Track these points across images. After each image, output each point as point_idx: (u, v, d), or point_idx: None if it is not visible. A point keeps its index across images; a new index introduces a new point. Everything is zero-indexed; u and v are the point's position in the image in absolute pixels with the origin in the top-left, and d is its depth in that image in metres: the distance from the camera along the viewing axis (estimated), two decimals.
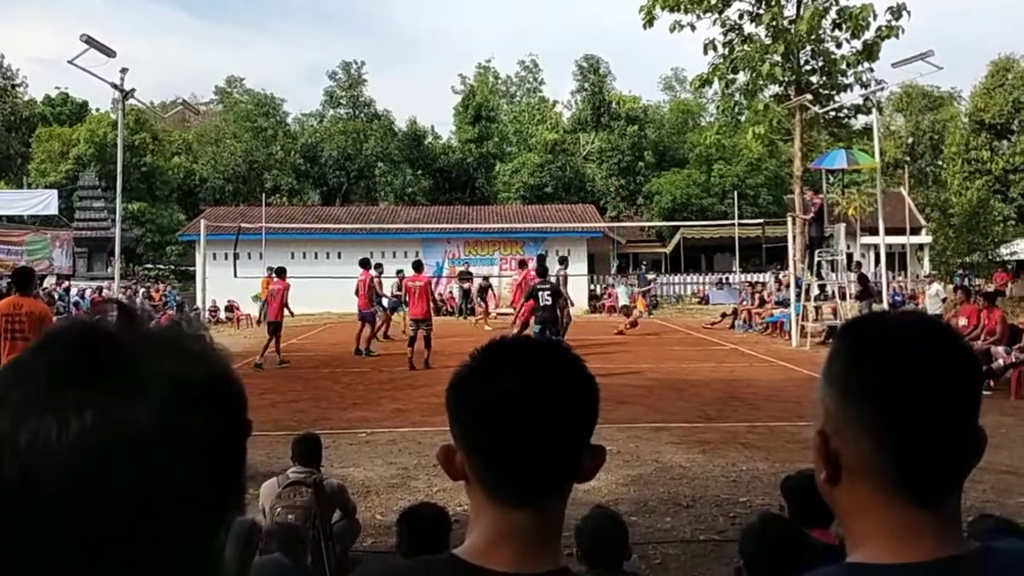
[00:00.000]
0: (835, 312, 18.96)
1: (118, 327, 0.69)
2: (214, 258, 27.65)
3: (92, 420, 0.62)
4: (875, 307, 18.53)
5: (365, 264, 17.66)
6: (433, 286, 16.40)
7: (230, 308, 29.53)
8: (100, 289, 27.58)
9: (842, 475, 1.02)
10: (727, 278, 36.80)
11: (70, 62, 15.74)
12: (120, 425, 0.63)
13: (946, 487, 1.00)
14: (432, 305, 15.60)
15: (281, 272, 16.46)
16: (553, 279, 18.69)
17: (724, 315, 25.35)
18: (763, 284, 28.30)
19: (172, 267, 43.24)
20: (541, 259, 15.08)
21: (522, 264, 18.93)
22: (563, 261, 20.40)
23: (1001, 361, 11.86)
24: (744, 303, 25.38)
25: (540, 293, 14.09)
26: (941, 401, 0.98)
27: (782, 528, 2.93)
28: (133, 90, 17.79)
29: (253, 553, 0.83)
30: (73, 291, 27.49)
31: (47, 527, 0.61)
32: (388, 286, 20.44)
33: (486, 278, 28.90)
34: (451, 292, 32.31)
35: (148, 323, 0.71)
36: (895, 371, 0.99)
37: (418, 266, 16.22)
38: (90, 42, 15.52)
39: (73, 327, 0.69)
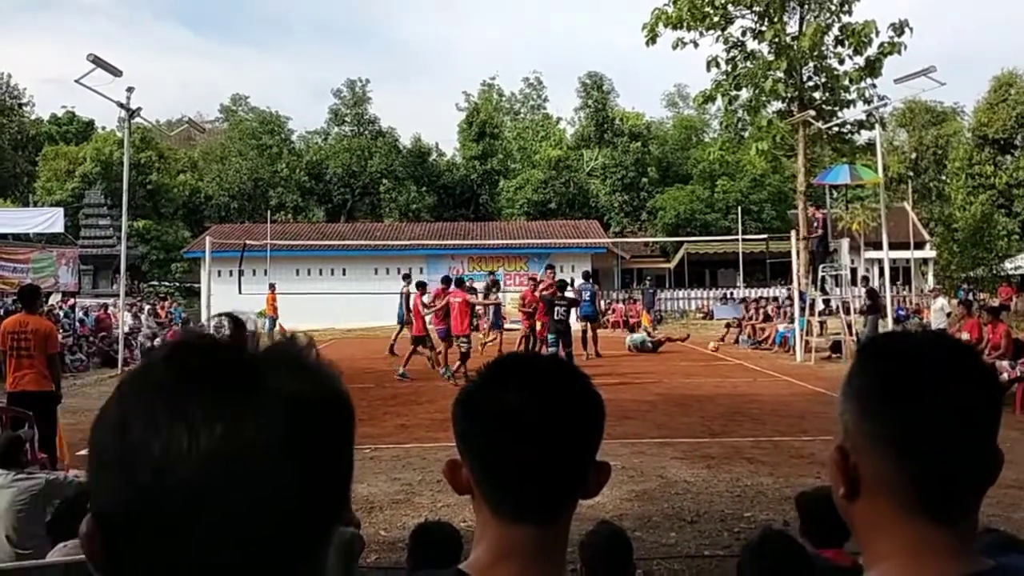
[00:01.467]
0: (850, 327, 18.81)
1: (238, 341, 0.71)
2: (219, 275, 27.70)
3: (221, 433, 0.65)
4: (880, 322, 18.51)
5: (449, 281, 16.70)
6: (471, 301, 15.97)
7: None
8: (105, 306, 27.59)
9: (860, 491, 1.03)
10: (731, 293, 36.79)
11: (77, 81, 15.86)
12: (246, 439, 0.65)
13: (964, 504, 1.00)
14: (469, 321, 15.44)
15: (420, 285, 16.27)
16: (588, 294, 18.92)
17: (728, 326, 25.23)
18: (765, 300, 28.19)
19: (177, 284, 43.27)
20: (562, 284, 15.30)
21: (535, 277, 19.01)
22: (587, 276, 20.53)
23: (1006, 375, 11.84)
24: (750, 319, 25.22)
25: (557, 308, 14.35)
26: (960, 418, 0.99)
27: (782, 545, 2.91)
28: (139, 109, 17.90)
29: (356, 562, 0.86)
30: (78, 309, 27.50)
31: (173, 533, 0.64)
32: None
33: (492, 273, 27.73)
34: None
35: (268, 345, 0.72)
36: (914, 388, 1.00)
37: (459, 283, 16.13)
38: (97, 62, 15.61)
39: (198, 338, 0.71)
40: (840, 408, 1.07)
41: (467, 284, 16.31)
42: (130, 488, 0.64)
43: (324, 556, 0.72)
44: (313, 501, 0.69)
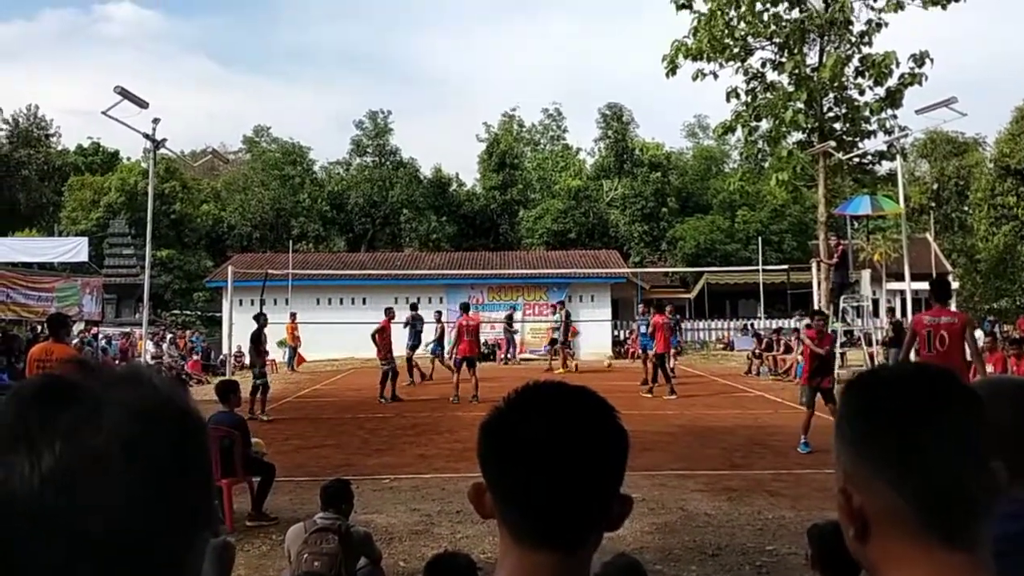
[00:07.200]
0: (871, 358, 18.66)
1: (78, 373, 0.75)
2: (240, 304, 27.90)
3: (61, 448, 0.67)
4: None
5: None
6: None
7: None
8: (128, 335, 27.82)
9: (871, 530, 1.03)
10: (752, 324, 36.57)
11: (104, 113, 16.07)
12: (87, 448, 0.67)
13: (976, 527, 1.00)
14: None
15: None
16: (643, 325, 19.52)
17: (750, 358, 25.07)
18: (783, 330, 27.95)
19: (199, 313, 43.55)
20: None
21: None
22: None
23: None
24: (770, 351, 25.02)
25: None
26: (952, 441, 1.00)
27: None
28: (164, 140, 18.07)
29: (228, 571, 0.87)
30: (101, 337, 27.74)
31: (28, 557, 0.65)
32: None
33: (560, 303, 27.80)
34: None
35: (108, 370, 0.76)
36: (903, 420, 1.02)
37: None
38: (124, 94, 15.83)
39: (38, 377, 0.75)
40: (835, 451, 1.08)
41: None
42: None
43: (189, 566, 0.73)
44: (166, 509, 0.70)
